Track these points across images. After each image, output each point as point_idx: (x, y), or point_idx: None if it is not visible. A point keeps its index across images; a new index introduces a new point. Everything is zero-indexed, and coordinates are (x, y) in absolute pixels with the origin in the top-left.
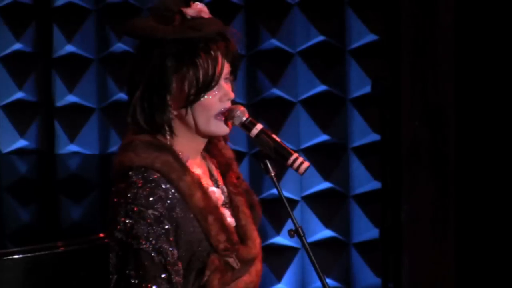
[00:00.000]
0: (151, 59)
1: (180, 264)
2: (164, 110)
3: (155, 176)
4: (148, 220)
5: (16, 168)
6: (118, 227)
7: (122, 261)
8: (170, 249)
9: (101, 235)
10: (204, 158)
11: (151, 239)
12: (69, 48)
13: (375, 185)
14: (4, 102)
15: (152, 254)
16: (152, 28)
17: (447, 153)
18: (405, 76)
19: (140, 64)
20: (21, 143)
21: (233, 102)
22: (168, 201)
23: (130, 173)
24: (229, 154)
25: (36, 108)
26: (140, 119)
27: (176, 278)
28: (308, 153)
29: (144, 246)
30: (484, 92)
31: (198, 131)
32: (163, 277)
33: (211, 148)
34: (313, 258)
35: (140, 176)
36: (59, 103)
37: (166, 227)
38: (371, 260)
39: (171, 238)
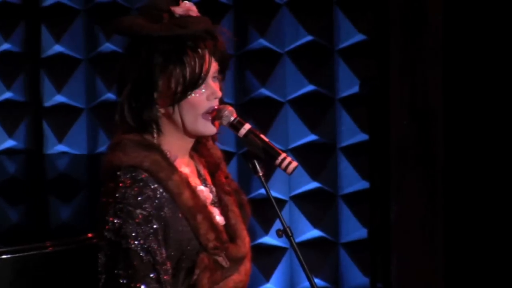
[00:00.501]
0: (138, 57)
1: (169, 264)
2: (151, 107)
3: (144, 176)
4: (137, 220)
5: (4, 168)
6: (107, 226)
7: (111, 260)
8: (159, 248)
9: (90, 235)
10: (192, 157)
11: (139, 238)
12: (58, 48)
13: (364, 185)
14: None
15: (141, 254)
16: (139, 25)
17: (435, 153)
18: (394, 76)
19: (128, 62)
20: (10, 143)
21: (221, 102)
22: (157, 201)
23: (118, 172)
24: (218, 154)
25: (25, 108)
26: (128, 117)
27: (165, 277)
28: (296, 153)
29: (133, 245)
30: (473, 92)
31: (185, 130)
32: (152, 277)
33: (200, 147)
34: (301, 258)
35: (128, 176)
36: (48, 103)
37: (155, 226)
38: (359, 260)
39: (159, 238)
